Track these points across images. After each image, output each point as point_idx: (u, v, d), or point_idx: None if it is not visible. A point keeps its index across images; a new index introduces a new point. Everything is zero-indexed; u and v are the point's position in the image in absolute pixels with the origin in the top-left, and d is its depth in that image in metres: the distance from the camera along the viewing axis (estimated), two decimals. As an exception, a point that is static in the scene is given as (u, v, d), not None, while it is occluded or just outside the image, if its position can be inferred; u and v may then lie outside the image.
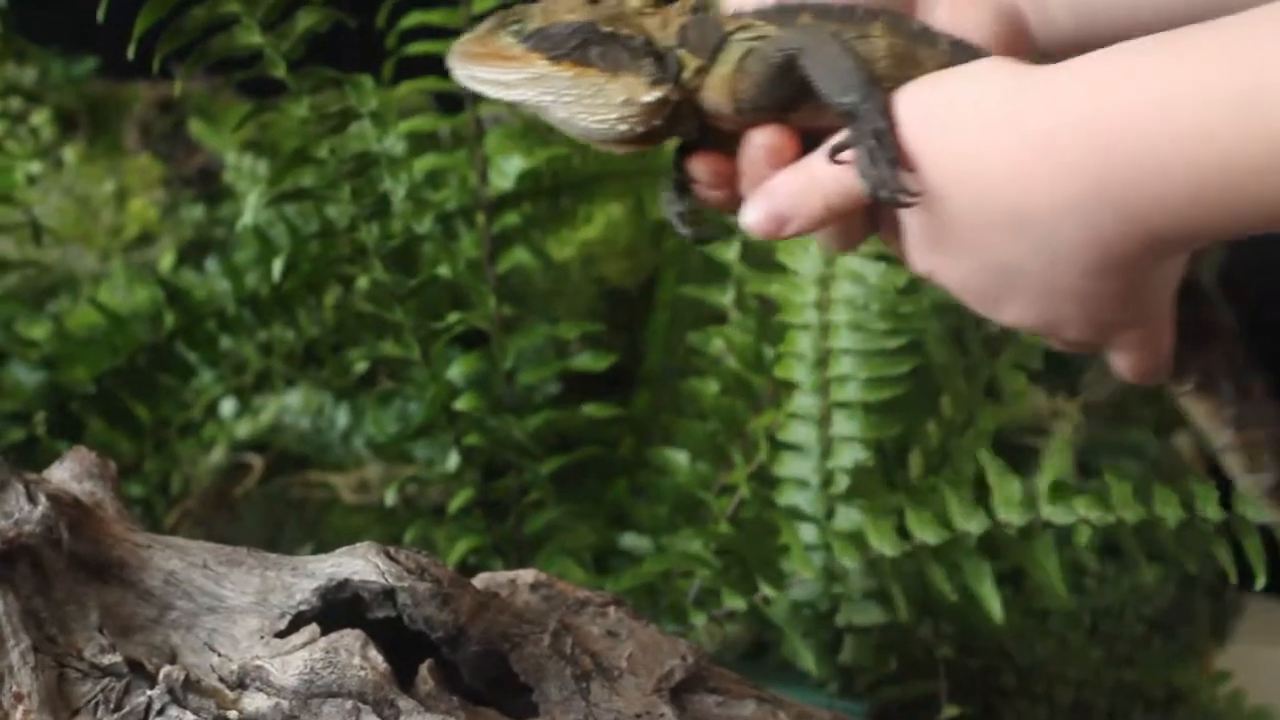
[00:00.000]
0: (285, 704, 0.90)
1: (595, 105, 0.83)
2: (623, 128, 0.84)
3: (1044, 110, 0.75)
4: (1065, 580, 1.23)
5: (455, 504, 1.35)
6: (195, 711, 0.88)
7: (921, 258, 0.82)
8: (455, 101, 1.42)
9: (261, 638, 0.93)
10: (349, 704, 0.90)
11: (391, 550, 0.97)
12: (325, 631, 0.93)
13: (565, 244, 1.64)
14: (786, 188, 0.82)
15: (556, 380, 1.49)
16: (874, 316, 1.32)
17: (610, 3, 0.84)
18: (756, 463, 1.35)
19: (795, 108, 0.83)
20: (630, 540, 1.37)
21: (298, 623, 0.94)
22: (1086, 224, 0.75)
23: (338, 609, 0.95)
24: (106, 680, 0.90)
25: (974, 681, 1.43)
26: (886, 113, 0.79)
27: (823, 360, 1.33)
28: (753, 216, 0.83)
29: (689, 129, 0.85)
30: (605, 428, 1.42)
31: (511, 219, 1.43)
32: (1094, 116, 0.73)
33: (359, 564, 0.96)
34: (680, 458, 1.38)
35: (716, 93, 0.84)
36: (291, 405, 1.52)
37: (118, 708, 0.89)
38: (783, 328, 1.34)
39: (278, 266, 1.36)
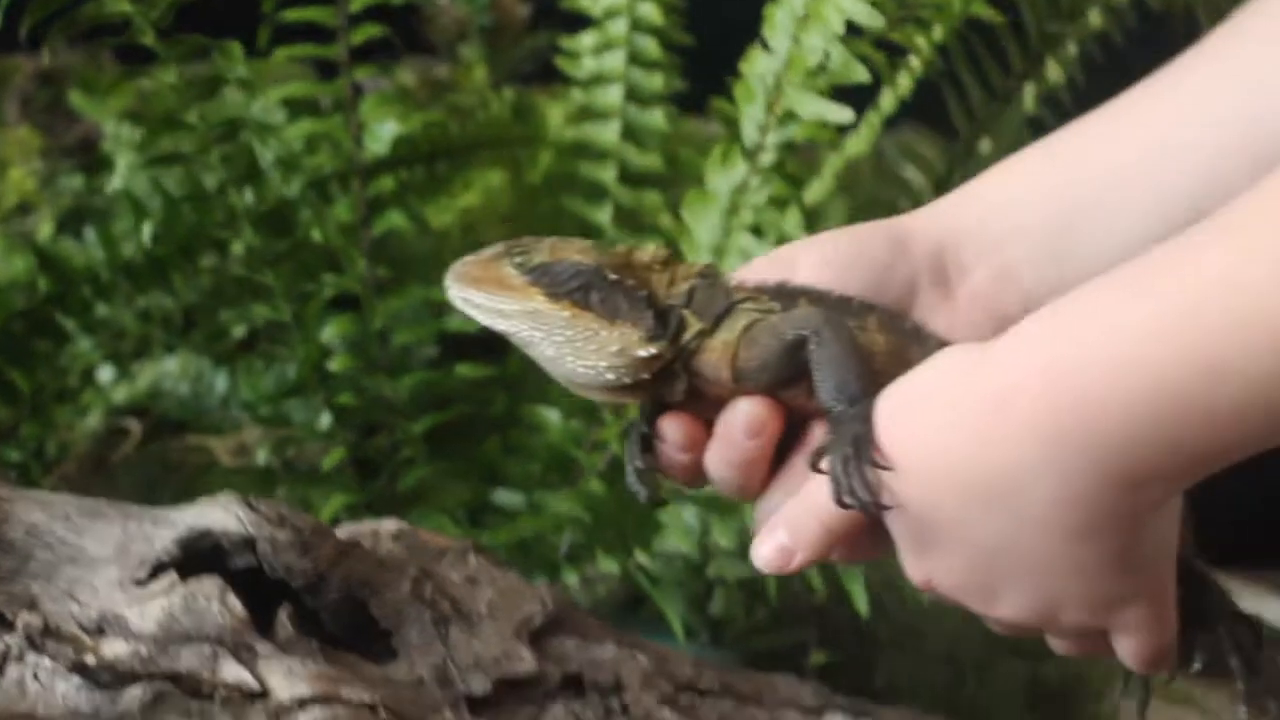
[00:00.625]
0: (144, 649, 0.91)
1: (586, 350, 0.81)
2: (610, 376, 0.82)
3: (995, 373, 0.73)
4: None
5: (328, 462, 1.37)
6: (53, 657, 0.90)
7: (914, 565, 0.78)
8: (332, 68, 1.44)
9: (121, 586, 0.94)
10: (207, 649, 0.92)
11: (252, 500, 0.99)
12: (186, 580, 0.95)
13: (445, 211, 1.65)
14: (786, 518, 0.80)
15: (435, 343, 1.50)
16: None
17: (620, 252, 0.83)
18: (627, 420, 1.37)
19: (788, 386, 0.81)
20: (503, 496, 1.39)
21: (158, 572, 0.95)
22: (1058, 480, 0.71)
23: (199, 559, 0.97)
24: (-35, 629, 0.91)
25: (845, 630, 1.45)
26: (868, 419, 0.77)
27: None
28: (762, 554, 0.80)
29: (675, 389, 0.83)
30: (480, 388, 1.43)
31: (387, 184, 1.44)
32: (1040, 368, 0.71)
33: (219, 514, 0.98)
34: (552, 415, 1.40)
35: (716, 357, 0.82)
36: (170, 370, 1.53)
37: (-24, 655, 0.91)
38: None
39: (147, 231, 1.37)
